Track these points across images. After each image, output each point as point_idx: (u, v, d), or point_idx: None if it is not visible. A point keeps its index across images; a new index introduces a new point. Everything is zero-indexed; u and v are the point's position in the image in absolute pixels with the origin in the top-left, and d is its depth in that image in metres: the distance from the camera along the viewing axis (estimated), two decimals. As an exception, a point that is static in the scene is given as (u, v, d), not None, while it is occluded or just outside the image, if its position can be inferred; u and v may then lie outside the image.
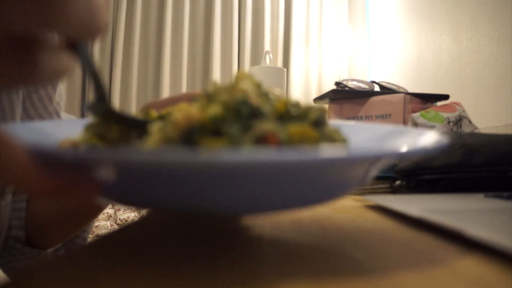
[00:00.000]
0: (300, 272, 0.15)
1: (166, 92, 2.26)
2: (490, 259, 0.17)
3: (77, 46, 0.16)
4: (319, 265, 0.16)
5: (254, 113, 0.18)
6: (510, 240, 0.17)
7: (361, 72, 2.38)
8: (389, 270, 0.16)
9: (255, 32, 2.40)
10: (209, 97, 0.19)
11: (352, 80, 1.15)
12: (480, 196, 0.38)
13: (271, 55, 1.03)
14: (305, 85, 2.38)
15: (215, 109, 0.18)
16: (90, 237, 1.77)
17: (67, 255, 0.18)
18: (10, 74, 0.13)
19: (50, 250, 0.43)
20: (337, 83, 1.13)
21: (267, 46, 2.34)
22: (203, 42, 2.37)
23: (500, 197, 0.36)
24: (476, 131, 0.86)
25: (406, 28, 1.96)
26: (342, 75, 2.35)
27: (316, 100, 1.19)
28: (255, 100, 0.19)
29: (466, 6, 1.50)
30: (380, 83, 1.14)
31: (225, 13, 2.37)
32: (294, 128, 0.18)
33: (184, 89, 2.28)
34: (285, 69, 1.00)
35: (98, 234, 1.80)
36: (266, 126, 0.18)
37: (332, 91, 1.09)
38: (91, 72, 0.18)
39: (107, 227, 1.85)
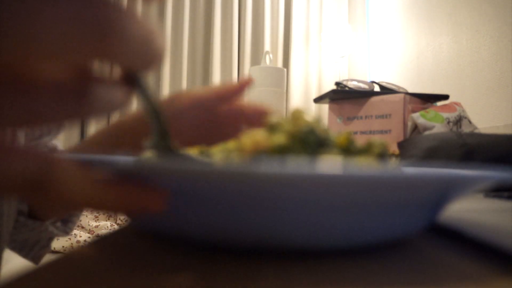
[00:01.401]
0: (300, 273, 0.15)
1: (166, 92, 2.26)
2: (490, 259, 0.17)
3: (134, 78, 0.16)
4: (318, 264, 0.16)
5: (320, 143, 0.19)
6: (510, 240, 0.17)
7: (361, 72, 2.39)
8: (387, 270, 0.16)
9: (255, 32, 2.40)
10: (271, 128, 0.20)
11: (352, 80, 1.15)
12: (480, 196, 0.38)
13: (271, 55, 1.03)
14: (305, 85, 2.38)
15: (280, 138, 0.19)
16: (90, 237, 1.76)
17: (67, 255, 0.18)
18: (67, 107, 0.13)
19: (48, 222, 0.43)
20: (337, 83, 1.13)
21: (267, 46, 2.34)
22: (203, 42, 2.37)
23: (500, 197, 0.36)
24: (476, 131, 0.86)
25: (406, 28, 1.96)
26: (342, 75, 2.35)
27: (316, 100, 1.19)
28: (320, 130, 0.19)
29: (466, 6, 1.50)
30: (380, 83, 1.14)
31: (225, 13, 2.37)
32: (361, 160, 0.19)
33: (184, 89, 2.28)
34: (285, 69, 1.00)
35: (98, 234, 1.80)
36: (334, 156, 0.18)
37: (332, 91, 1.09)
38: (151, 107, 0.17)
39: (107, 227, 1.86)
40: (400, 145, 0.64)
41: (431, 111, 0.87)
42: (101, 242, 0.20)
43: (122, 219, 1.94)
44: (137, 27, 0.13)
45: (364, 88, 1.12)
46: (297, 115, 0.20)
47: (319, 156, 0.18)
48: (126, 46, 0.13)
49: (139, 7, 2.29)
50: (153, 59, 0.14)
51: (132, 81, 0.16)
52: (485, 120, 1.34)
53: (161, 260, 0.17)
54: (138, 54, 0.13)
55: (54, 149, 0.43)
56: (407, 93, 1.04)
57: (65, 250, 1.65)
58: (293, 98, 2.33)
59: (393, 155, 0.74)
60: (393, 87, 1.13)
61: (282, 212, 0.15)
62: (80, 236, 1.74)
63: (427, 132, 0.82)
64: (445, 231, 0.22)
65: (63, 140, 2.12)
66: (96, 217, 1.90)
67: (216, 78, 2.30)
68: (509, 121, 1.24)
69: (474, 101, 1.41)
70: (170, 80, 2.29)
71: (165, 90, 2.25)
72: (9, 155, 0.12)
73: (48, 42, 0.11)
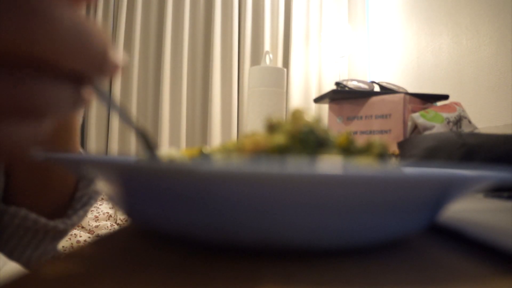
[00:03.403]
0: (300, 273, 0.15)
1: (166, 92, 2.26)
2: (490, 259, 0.17)
3: (90, 82, 0.15)
4: (318, 264, 0.16)
5: (320, 143, 0.19)
6: (510, 240, 0.17)
7: (361, 72, 2.39)
8: (387, 270, 0.16)
9: (255, 32, 2.40)
10: (271, 128, 0.20)
11: (352, 80, 1.15)
12: (480, 196, 0.38)
13: (271, 55, 1.03)
14: (305, 85, 2.38)
15: (280, 138, 0.19)
16: (90, 237, 1.76)
17: (67, 255, 0.18)
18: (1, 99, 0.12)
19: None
20: (337, 83, 1.13)
21: (267, 46, 2.34)
22: (203, 42, 2.37)
23: (500, 197, 0.36)
24: (476, 131, 0.86)
25: (406, 28, 1.96)
26: (342, 75, 2.35)
27: (316, 100, 1.19)
28: (319, 130, 0.20)
29: (466, 6, 1.50)
30: (380, 83, 1.14)
31: (225, 13, 2.37)
32: (361, 160, 0.19)
33: (184, 89, 2.28)
34: (285, 69, 1.00)
35: (98, 234, 1.80)
36: (334, 156, 0.19)
37: (332, 91, 1.09)
38: (131, 126, 0.18)
39: (107, 227, 1.85)
40: (400, 145, 0.64)
41: (431, 111, 0.87)
42: (101, 242, 0.20)
43: (122, 219, 1.94)
44: (67, 18, 0.13)
45: (364, 88, 1.12)
46: (297, 115, 0.20)
47: (319, 156, 0.18)
48: (53, 36, 0.12)
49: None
50: (97, 60, 0.14)
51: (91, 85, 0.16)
52: (485, 120, 1.34)
53: (161, 260, 0.17)
54: (75, 53, 0.13)
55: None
56: (407, 93, 1.04)
57: (65, 250, 1.64)
58: (293, 98, 2.33)
59: (393, 155, 0.74)
60: (393, 87, 1.13)
61: (281, 212, 0.15)
62: (80, 236, 1.74)
63: (427, 132, 0.82)
64: (445, 231, 0.22)
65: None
66: (96, 217, 1.90)
67: (216, 78, 2.31)
68: (509, 121, 1.24)
69: (474, 101, 1.41)
70: (171, 80, 2.29)
71: (165, 90, 2.25)
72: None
73: None
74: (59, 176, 0.41)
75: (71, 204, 0.43)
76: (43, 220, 0.39)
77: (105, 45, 0.14)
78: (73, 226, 0.42)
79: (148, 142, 0.19)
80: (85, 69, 0.14)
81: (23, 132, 0.14)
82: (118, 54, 0.15)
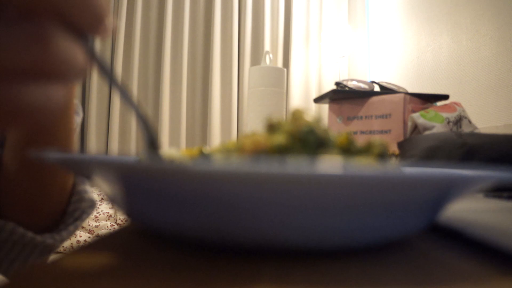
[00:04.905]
0: (300, 273, 0.15)
1: (166, 92, 2.26)
2: (490, 259, 0.17)
3: (85, 41, 0.16)
4: (318, 264, 0.16)
5: (320, 143, 0.19)
6: (510, 240, 0.17)
7: (361, 72, 2.39)
8: (388, 270, 0.16)
9: (255, 32, 2.40)
10: (271, 128, 0.20)
11: (352, 80, 1.15)
12: (480, 196, 0.38)
13: (271, 55, 1.03)
14: (305, 85, 2.38)
15: (280, 138, 0.19)
16: (90, 237, 1.76)
17: (67, 255, 0.18)
18: (19, 54, 0.13)
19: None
20: (337, 83, 1.13)
21: (267, 46, 2.34)
22: (203, 42, 2.37)
23: (500, 197, 0.36)
24: (476, 131, 0.86)
25: (406, 28, 1.96)
26: (342, 75, 2.35)
27: (316, 100, 1.19)
28: (319, 130, 0.20)
29: (466, 6, 1.50)
30: (380, 83, 1.14)
31: (225, 13, 2.37)
32: (361, 160, 0.19)
33: (184, 89, 2.28)
34: (285, 69, 1.00)
35: (98, 234, 1.80)
36: (333, 156, 0.19)
37: (332, 91, 1.09)
38: (136, 113, 0.18)
39: (107, 227, 1.86)
40: (400, 145, 0.64)
41: (431, 111, 0.87)
42: (101, 242, 0.20)
43: (122, 219, 1.94)
44: None
45: (364, 88, 1.12)
46: (297, 115, 0.20)
47: (319, 156, 0.18)
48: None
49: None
50: (97, 22, 0.15)
51: (87, 50, 0.16)
52: (485, 120, 1.34)
53: (161, 260, 0.17)
54: (79, 10, 0.15)
55: None
56: (407, 93, 1.04)
57: (65, 250, 1.65)
58: (293, 98, 2.33)
59: (393, 155, 0.74)
60: (393, 87, 1.13)
61: (282, 212, 0.15)
62: (80, 236, 1.74)
63: (427, 132, 0.82)
64: (445, 231, 0.22)
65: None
66: (96, 217, 1.90)
67: (216, 78, 2.30)
68: (509, 121, 1.24)
69: (474, 101, 1.41)
70: (170, 80, 2.29)
71: (165, 90, 2.25)
72: None
73: None
74: (57, 183, 0.40)
75: (63, 219, 0.42)
76: (30, 234, 0.38)
77: (104, 8, 0.16)
78: (62, 241, 0.42)
79: (148, 128, 0.19)
80: (84, 25, 0.15)
81: (34, 94, 0.14)
82: (111, 21, 0.17)
